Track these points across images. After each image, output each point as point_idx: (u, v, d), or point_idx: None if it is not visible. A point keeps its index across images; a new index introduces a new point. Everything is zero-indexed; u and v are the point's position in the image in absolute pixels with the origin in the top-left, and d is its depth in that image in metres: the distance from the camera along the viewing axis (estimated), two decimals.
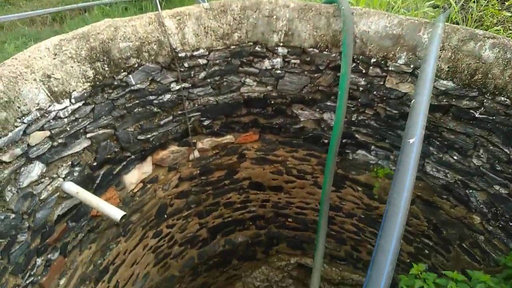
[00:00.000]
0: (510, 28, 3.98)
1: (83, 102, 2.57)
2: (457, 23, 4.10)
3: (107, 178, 3.08)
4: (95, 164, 2.89)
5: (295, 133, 3.84)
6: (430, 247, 3.81)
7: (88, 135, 2.75)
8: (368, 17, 2.98)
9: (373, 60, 3.06)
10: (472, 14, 4.14)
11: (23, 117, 2.20)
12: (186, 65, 3.07)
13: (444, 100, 2.98)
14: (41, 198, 2.50)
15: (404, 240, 4.01)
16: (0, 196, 2.19)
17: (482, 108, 2.83)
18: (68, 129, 2.54)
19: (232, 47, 3.16)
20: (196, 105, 3.41)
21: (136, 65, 2.82)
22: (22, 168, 2.30)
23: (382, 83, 3.17)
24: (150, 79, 2.97)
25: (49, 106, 2.35)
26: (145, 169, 3.45)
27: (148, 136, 3.26)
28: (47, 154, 2.45)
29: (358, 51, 3.07)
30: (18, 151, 2.22)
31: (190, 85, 3.23)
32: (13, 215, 2.28)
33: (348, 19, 2.89)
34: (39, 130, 2.33)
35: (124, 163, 3.21)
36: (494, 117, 2.80)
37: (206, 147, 3.79)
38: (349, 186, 4.09)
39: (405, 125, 3.38)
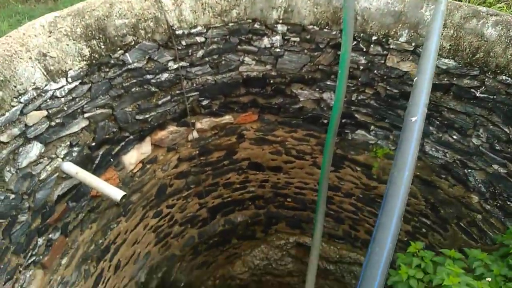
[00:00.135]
0: None
1: (79, 81, 2.53)
2: (460, 0, 4.02)
3: (106, 159, 3.07)
4: (93, 144, 2.88)
5: (295, 113, 3.82)
6: (428, 226, 3.86)
7: (86, 115, 2.72)
8: None
9: (374, 38, 3.01)
10: None
11: (20, 97, 2.18)
12: (183, 43, 3.01)
13: (445, 79, 2.95)
14: (40, 178, 2.49)
15: (402, 219, 4.05)
16: None
17: (483, 87, 2.81)
18: (65, 108, 2.52)
19: (231, 24, 3.09)
20: (195, 85, 3.38)
21: (133, 43, 2.77)
22: (21, 148, 2.29)
23: (383, 61, 3.13)
24: (147, 57, 2.92)
25: (46, 85, 2.31)
26: (144, 149, 3.44)
27: (146, 116, 3.23)
28: (45, 134, 2.43)
29: (359, 29, 3.02)
30: (15, 131, 2.20)
31: (188, 64, 3.19)
32: (12, 196, 2.28)
33: None
34: (36, 109, 2.30)
35: (123, 143, 3.19)
36: (494, 96, 2.78)
37: (205, 128, 3.77)
38: (348, 166, 4.10)
39: (405, 105, 3.37)
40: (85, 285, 3.29)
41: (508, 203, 3.00)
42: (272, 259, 5.74)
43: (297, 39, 3.22)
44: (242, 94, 3.65)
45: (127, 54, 2.78)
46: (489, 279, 2.34)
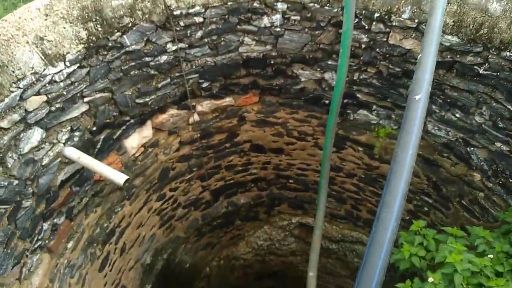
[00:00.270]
0: None
1: (78, 65, 2.50)
2: None
3: (108, 143, 3.06)
4: (94, 128, 2.87)
5: (296, 94, 3.79)
6: (429, 205, 3.88)
7: (86, 99, 2.70)
8: None
9: (376, 15, 2.95)
10: None
11: (18, 82, 2.15)
12: (181, 24, 2.96)
13: (448, 56, 2.91)
14: (43, 163, 2.50)
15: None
16: (1, 163, 2.19)
17: (487, 64, 2.77)
18: (65, 93, 2.49)
19: (229, 3, 3.03)
20: (194, 67, 3.33)
21: (130, 25, 2.72)
22: (22, 134, 2.28)
23: (385, 39, 3.08)
24: (145, 39, 2.87)
25: (44, 69, 2.29)
26: (145, 133, 3.43)
27: (147, 99, 3.21)
28: (45, 119, 2.42)
29: (360, 6, 2.96)
30: (16, 116, 2.19)
31: (186, 45, 3.14)
32: (16, 181, 2.29)
33: None
34: (35, 95, 2.28)
35: (124, 127, 3.18)
36: (498, 73, 2.74)
37: (205, 110, 3.75)
38: (349, 146, 4.09)
39: (408, 83, 3.34)
40: (92, 267, 3.34)
41: (511, 180, 3.00)
42: (275, 240, 5.81)
43: (298, 17, 3.16)
44: (242, 75, 3.61)
45: (124, 36, 2.74)
46: (491, 256, 2.36)
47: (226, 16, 3.11)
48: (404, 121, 1.34)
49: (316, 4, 3.03)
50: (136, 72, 3.00)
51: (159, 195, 4.07)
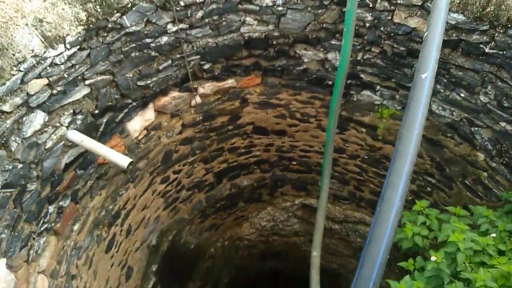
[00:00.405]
0: None
1: (78, 47, 2.47)
2: None
3: (111, 126, 3.06)
4: (97, 111, 2.86)
5: (299, 75, 3.74)
6: (433, 185, 3.89)
7: (87, 82, 2.68)
8: None
9: None
10: None
11: (19, 65, 2.13)
12: (182, 3, 2.90)
13: (454, 35, 2.85)
14: (46, 147, 2.50)
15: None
16: (5, 146, 2.19)
17: (493, 43, 2.72)
18: (66, 76, 2.47)
19: None
20: (195, 48, 3.29)
21: (130, 5, 2.67)
22: (24, 118, 2.28)
23: (390, 18, 3.02)
24: (145, 20, 2.83)
25: (44, 52, 2.26)
26: (148, 116, 3.42)
27: (148, 82, 3.18)
28: (47, 103, 2.41)
29: None
30: (18, 100, 2.18)
31: (187, 26, 3.09)
32: (20, 165, 2.30)
33: None
34: (36, 78, 2.27)
35: (126, 110, 3.17)
36: (504, 52, 2.70)
37: (207, 92, 3.72)
38: (353, 127, 4.07)
39: (412, 63, 3.29)
40: (98, 249, 3.40)
41: None
42: (279, 220, 5.87)
43: None
44: (244, 56, 3.57)
45: (124, 17, 2.69)
46: (493, 235, 2.38)
47: None
48: (410, 100, 1.32)
49: None
50: (136, 53, 2.97)
51: (163, 178, 4.10)
